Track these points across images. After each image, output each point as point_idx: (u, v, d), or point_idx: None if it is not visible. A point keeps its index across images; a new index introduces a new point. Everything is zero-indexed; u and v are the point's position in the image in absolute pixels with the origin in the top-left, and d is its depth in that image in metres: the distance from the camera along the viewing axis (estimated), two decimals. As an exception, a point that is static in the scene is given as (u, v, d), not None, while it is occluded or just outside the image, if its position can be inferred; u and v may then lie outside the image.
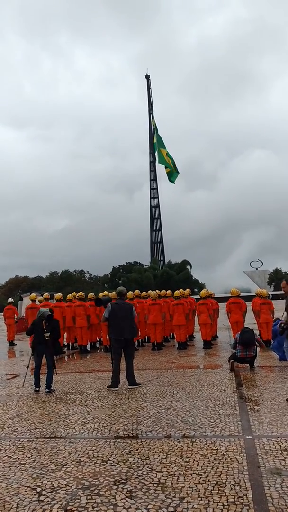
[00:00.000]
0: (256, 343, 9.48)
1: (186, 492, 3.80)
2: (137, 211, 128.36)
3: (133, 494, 3.83)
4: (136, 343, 13.48)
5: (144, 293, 15.66)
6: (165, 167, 22.95)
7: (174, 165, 22.98)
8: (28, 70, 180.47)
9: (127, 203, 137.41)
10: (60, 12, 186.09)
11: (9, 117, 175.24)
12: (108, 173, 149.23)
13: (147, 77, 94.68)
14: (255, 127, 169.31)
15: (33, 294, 16.18)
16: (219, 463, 4.40)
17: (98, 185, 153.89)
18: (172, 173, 23.09)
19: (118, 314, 8.26)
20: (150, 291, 15.43)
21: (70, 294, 15.28)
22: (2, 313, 18.09)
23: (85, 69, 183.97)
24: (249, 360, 9.36)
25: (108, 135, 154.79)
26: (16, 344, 17.28)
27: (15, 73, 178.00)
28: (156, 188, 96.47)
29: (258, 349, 9.83)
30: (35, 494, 3.96)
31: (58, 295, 14.94)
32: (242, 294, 13.72)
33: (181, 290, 14.13)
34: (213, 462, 4.43)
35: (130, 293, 14.18)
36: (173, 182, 23.60)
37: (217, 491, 3.80)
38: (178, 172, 23.29)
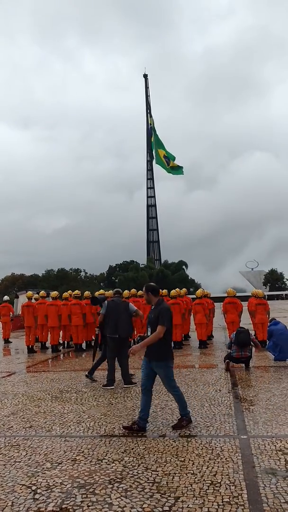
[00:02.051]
0: (252, 343, 9.51)
1: (181, 492, 3.81)
2: (136, 210, 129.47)
3: (128, 493, 3.84)
4: (132, 342, 13.48)
5: (140, 292, 15.64)
6: (167, 164, 22.99)
7: (172, 157, 22.99)
8: (38, 72, 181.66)
9: (127, 203, 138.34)
10: (70, 17, 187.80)
11: (17, 118, 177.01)
12: (110, 173, 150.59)
13: (145, 76, 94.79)
14: (256, 130, 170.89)
15: (30, 292, 16.13)
16: (214, 463, 4.41)
17: (100, 186, 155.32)
18: (177, 169, 23.14)
19: (113, 312, 8.27)
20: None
21: (66, 293, 15.25)
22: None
23: (94, 72, 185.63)
24: (244, 360, 9.38)
25: (113, 136, 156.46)
26: (11, 342, 17.24)
27: (25, 75, 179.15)
28: (153, 187, 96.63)
29: (253, 349, 9.85)
30: (30, 492, 3.95)
31: (54, 293, 14.90)
32: (237, 294, 13.76)
33: (177, 289, 14.15)
34: (208, 462, 4.44)
35: (126, 292, 14.17)
36: (182, 173, 23.63)
37: (212, 490, 3.81)
38: (181, 167, 23.32)
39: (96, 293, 13.29)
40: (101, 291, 14.89)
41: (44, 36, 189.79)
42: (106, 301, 8.60)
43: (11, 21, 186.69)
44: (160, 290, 15.58)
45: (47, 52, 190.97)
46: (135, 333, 13.59)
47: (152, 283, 6.10)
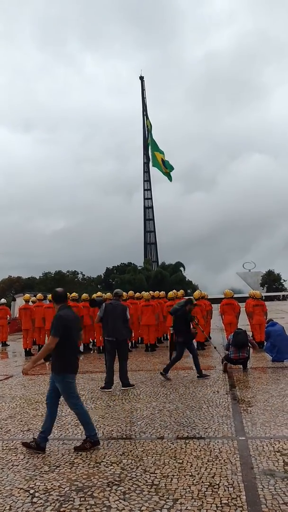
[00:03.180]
0: (249, 344, 9.51)
1: (180, 494, 3.80)
2: (134, 212, 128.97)
3: (127, 495, 3.83)
4: (130, 344, 13.47)
5: (137, 294, 15.66)
6: (164, 170, 23.09)
7: (170, 167, 23.11)
8: (39, 76, 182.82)
9: (125, 205, 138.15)
10: (72, 22, 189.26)
11: (19, 120, 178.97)
12: (109, 176, 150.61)
13: (141, 78, 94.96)
14: (256, 132, 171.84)
15: (27, 295, 16.10)
16: (212, 465, 4.40)
17: (99, 188, 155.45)
18: (169, 174, 23.28)
19: (110, 314, 8.27)
20: (143, 292, 15.43)
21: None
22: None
23: (94, 76, 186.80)
24: (242, 361, 9.39)
25: (113, 139, 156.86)
26: (9, 345, 17.18)
27: (27, 78, 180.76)
28: (150, 189, 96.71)
29: (251, 350, 9.85)
30: (28, 496, 3.94)
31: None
32: (235, 296, 13.76)
33: (174, 291, 14.15)
34: (206, 464, 4.44)
35: (123, 294, 14.16)
36: (170, 180, 23.81)
37: (211, 492, 3.80)
38: (172, 168, 23.43)
39: (94, 295, 13.30)
40: (99, 293, 14.89)
41: (46, 40, 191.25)
42: (104, 304, 8.60)
43: (14, 25, 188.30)
44: (158, 292, 15.66)
45: (48, 56, 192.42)
46: (133, 335, 13.60)
47: (57, 289, 5.56)
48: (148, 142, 25.29)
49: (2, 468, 4.63)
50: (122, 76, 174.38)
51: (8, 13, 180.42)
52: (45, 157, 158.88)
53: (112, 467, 4.49)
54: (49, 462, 4.73)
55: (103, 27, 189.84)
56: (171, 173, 23.72)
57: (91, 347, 14.75)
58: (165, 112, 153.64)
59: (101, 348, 13.41)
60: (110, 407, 6.87)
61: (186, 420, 5.95)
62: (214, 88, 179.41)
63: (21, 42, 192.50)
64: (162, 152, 23.58)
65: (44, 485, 4.15)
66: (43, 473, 4.43)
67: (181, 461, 4.55)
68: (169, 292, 13.97)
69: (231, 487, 3.88)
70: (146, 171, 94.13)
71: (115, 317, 8.23)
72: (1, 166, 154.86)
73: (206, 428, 5.57)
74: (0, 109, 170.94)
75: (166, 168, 23.23)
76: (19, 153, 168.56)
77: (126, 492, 3.90)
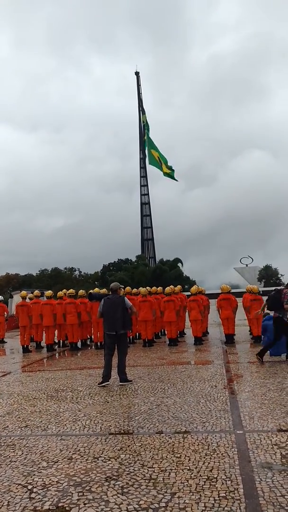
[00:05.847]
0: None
1: (178, 488, 3.81)
2: (132, 209, 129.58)
3: (125, 490, 3.83)
4: (127, 339, 13.48)
5: (135, 290, 15.66)
6: (164, 170, 23.04)
7: (169, 167, 23.05)
8: (46, 78, 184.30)
9: (125, 202, 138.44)
10: (79, 25, 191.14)
11: (24, 120, 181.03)
12: (110, 174, 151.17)
13: (137, 73, 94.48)
14: (257, 131, 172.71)
15: (24, 292, 16.08)
16: (210, 458, 4.41)
17: (100, 186, 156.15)
18: (171, 174, 23.22)
19: (110, 308, 8.29)
20: (140, 288, 15.44)
21: (60, 292, 15.22)
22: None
23: (101, 79, 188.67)
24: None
25: (117, 139, 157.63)
26: (6, 342, 17.17)
27: (34, 81, 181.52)
28: (146, 185, 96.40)
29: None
30: (26, 492, 3.94)
31: (49, 292, 14.86)
32: (232, 291, 13.78)
33: (171, 286, 14.16)
34: (204, 457, 4.45)
35: (120, 288, 14.14)
36: (175, 179, 23.74)
37: (209, 486, 3.81)
38: (173, 170, 23.37)
39: (91, 291, 13.29)
40: (96, 289, 14.88)
41: (55, 44, 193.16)
42: (102, 299, 8.61)
43: (24, 32, 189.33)
44: (155, 287, 15.66)
45: (56, 59, 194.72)
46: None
47: None
48: (145, 139, 25.25)
49: (0, 465, 4.63)
50: (128, 78, 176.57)
51: (20, 21, 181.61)
52: (51, 157, 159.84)
53: (110, 462, 4.50)
54: (47, 457, 4.73)
55: (110, 32, 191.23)
56: (174, 171, 23.65)
57: (88, 343, 14.76)
58: (169, 112, 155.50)
59: (98, 344, 13.43)
60: (108, 402, 6.88)
61: (184, 414, 5.96)
62: (217, 89, 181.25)
63: (30, 46, 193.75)
64: (157, 150, 23.49)
65: (42, 480, 4.16)
66: (41, 469, 4.43)
67: (179, 455, 4.55)
68: (166, 288, 13.98)
69: (228, 481, 3.89)
70: (143, 167, 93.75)
71: (114, 311, 8.25)
72: (8, 166, 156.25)
73: (204, 422, 5.58)
74: (10, 110, 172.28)
75: (166, 168, 23.13)
76: (26, 153, 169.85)
77: (124, 486, 3.90)
